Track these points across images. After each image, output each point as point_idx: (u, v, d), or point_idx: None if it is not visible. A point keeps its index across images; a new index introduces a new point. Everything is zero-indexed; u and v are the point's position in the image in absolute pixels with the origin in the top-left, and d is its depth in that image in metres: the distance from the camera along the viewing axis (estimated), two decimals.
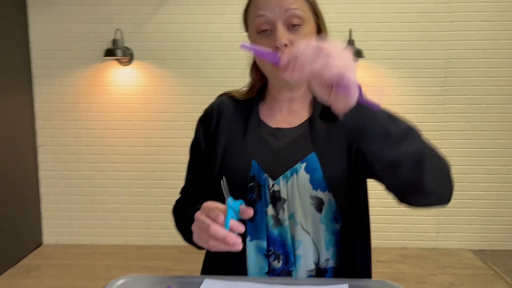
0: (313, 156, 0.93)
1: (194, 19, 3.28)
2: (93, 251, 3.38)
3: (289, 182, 0.92)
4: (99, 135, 3.41)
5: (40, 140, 3.42)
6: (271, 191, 0.93)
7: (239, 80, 1.12)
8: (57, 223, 3.49)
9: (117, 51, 3.16)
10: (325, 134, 0.95)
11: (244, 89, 1.08)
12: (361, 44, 3.14)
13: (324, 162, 0.92)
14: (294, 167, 0.92)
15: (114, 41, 3.19)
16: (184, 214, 0.95)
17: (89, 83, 3.36)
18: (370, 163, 0.78)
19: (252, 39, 0.94)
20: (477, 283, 2.85)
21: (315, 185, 0.91)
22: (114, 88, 3.36)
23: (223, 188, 0.79)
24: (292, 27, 0.88)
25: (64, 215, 3.49)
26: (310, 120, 0.98)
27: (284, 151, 0.95)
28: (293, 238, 0.92)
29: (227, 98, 1.06)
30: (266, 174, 0.93)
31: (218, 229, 0.74)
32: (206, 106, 1.07)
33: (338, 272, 0.94)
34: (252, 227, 0.94)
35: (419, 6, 3.20)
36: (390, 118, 0.72)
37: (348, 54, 0.66)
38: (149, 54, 3.32)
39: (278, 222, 0.93)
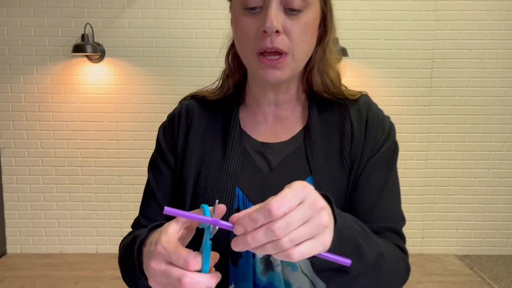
0: (310, 181, 0.73)
1: (169, 14, 3.09)
2: (61, 260, 3.16)
3: None
4: (67, 136, 3.18)
5: (2, 142, 3.18)
6: None
7: (224, 53, 0.89)
8: (22, 231, 3.26)
9: (86, 47, 2.94)
10: (324, 149, 0.76)
11: (216, 85, 0.85)
12: (345, 42, 3.00)
13: (323, 189, 0.72)
14: None
15: (84, 36, 2.97)
16: (127, 255, 0.65)
17: (57, 81, 3.13)
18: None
19: (235, 13, 0.72)
20: None
21: None
22: (83, 86, 3.14)
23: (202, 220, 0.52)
24: (290, 10, 0.67)
25: (30, 222, 3.25)
26: (305, 130, 0.78)
27: (275, 175, 0.75)
28: (288, 285, 0.74)
29: (195, 102, 0.83)
30: (253, 205, 0.72)
31: (197, 281, 0.50)
32: None
33: None
34: (235, 273, 0.74)
35: (405, 3, 3.09)
36: (361, 249, 0.59)
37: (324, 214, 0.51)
38: (121, 50, 3.11)
39: (269, 266, 0.73)
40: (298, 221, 0.47)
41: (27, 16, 3.07)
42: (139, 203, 0.85)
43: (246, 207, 0.73)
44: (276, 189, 0.72)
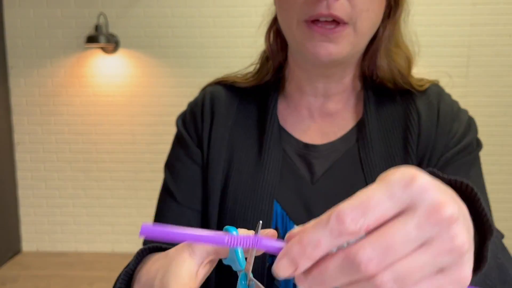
0: None
1: (185, 2, 2.94)
2: (76, 259, 3.06)
3: None
4: (82, 131, 3.08)
5: (17, 137, 3.10)
6: None
7: (235, 70, 0.72)
8: (37, 229, 3.18)
9: (100, 38, 2.82)
10: (384, 151, 0.59)
11: (250, 70, 0.68)
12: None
13: None
14: None
15: (97, 27, 2.85)
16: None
17: (70, 74, 3.03)
18: None
19: None
20: None
21: None
22: (97, 79, 3.03)
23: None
24: None
25: (45, 220, 3.17)
26: (358, 128, 0.62)
27: (322, 185, 0.59)
28: None
29: (222, 89, 0.67)
30: (295, 225, 0.58)
31: None
32: None
33: None
34: None
35: None
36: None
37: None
38: (136, 41, 2.98)
39: None
40: (407, 244, 0.25)
41: (40, 7, 2.97)
42: (156, 201, 0.68)
43: (285, 227, 0.57)
44: (322, 204, 0.55)
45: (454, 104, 0.63)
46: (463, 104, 0.66)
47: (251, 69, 0.68)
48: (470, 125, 0.62)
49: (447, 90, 0.65)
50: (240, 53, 2.81)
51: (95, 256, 3.12)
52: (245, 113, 0.64)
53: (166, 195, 0.65)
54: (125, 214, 3.15)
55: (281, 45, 0.65)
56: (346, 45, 0.53)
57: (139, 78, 3.02)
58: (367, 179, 0.58)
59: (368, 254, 0.24)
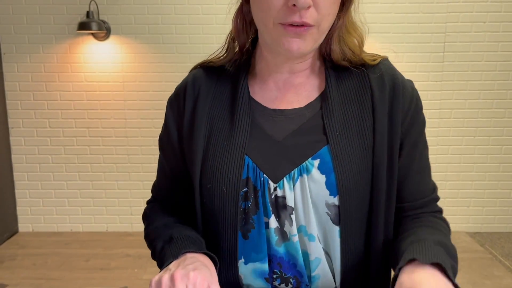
0: (326, 151, 0.69)
1: None
2: (72, 239, 3.19)
3: (297, 185, 0.69)
4: (75, 116, 3.18)
5: (11, 121, 3.18)
6: (272, 197, 0.70)
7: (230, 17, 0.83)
8: (33, 210, 3.29)
9: (92, 25, 2.90)
10: (342, 119, 0.71)
11: (218, 53, 0.81)
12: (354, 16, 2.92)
13: (338, 160, 0.68)
14: (303, 164, 0.69)
15: (88, 14, 2.93)
16: (159, 239, 0.75)
17: (63, 60, 3.11)
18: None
19: None
20: (476, 268, 2.73)
21: (333, 190, 0.68)
22: (90, 65, 3.11)
23: None
24: None
25: (40, 201, 3.28)
26: (322, 98, 0.73)
27: (288, 143, 0.71)
28: (306, 255, 0.71)
29: (203, 71, 0.80)
30: (265, 175, 0.70)
31: None
32: None
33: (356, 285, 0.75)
34: (246, 246, 0.72)
35: None
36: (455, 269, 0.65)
37: None
38: (127, 28, 3.07)
39: (284, 236, 0.70)
40: None
41: None
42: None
43: (256, 177, 0.70)
44: (289, 158, 0.70)
45: (404, 80, 0.74)
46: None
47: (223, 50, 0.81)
48: (418, 100, 0.74)
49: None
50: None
51: (90, 235, 3.25)
52: (221, 89, 0.77)
53: (160, 165, 0.85)
54: (118, 195, 3.27)
55: (246, 27, 0.76)
56: (311, 42, 0.67)
57: (130, 64, 3.11)
58: (329, 140, 0.69)
59: None
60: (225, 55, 0.79)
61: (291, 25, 0.64)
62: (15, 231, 3.28)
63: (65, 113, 3.17)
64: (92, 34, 3.04)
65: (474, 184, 3.24)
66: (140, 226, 3.22)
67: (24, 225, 3.30)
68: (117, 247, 3.05)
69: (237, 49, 0.78)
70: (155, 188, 0.88)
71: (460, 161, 3.20)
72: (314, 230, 0.70)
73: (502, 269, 2.71)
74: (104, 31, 2.99)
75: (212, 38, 3.03)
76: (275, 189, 0.69)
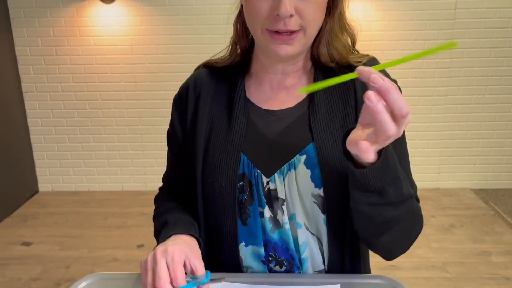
0: (311, 148, 0.76)
1: None
2: (90, 198, 3.35)
3: (286, 179, 0.77)
4: (86, 79, 3.23)
5: (24, 86, 3.26)
6: (265, 189, 0.78)
7: (232, 17, 0.87)
8: (51, 171, 3.43)
9: None
10: (327, 117, 0.77)
11: (225, 51, 0.86)
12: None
13: (322, 156, 0.75)
14: (292, 160, 0.76)
15: None
16: (157, 222, 0.84)
17: (71, 24, 3.12)
18: (351, 204, 0.69)
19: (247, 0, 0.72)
20: (477, 224, 2.82)
21: (317, 182, 0.76)
22: (98, 28, 3.13)
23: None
24: None
25: (58, 163, 3.42)
26: (309, 98, 0.79)
27: (278, 141, 0.78)
28: (296, 240, 0.79)
29: (205, 71, 0.86)
30: (258, 171, 0.78)
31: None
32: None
33: (342, 267, 0.83)
34: (245, 231, 0.80)
35: None
36: (399, 181, 0.65)
37: None
38: None
39: (277, 224, 0.79)
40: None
41: None
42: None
43: (251, 172, 0.78)
44: (279, 154, 0.77)
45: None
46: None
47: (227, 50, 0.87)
48: None
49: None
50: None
51: (106, 194, 3.40)
52: (220, 90, 0.83)
53: (169, 152, 0.92)
54: (131, 156, 3.38)
55: (246, 32, 0.82)
56: (298, 46, 0.71)
57: (137, 26, 3.11)
58: (314, 137, 0.76)
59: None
60: (228, 57, 0.85)
61: (278, 32, 0.69)
62: (35, 191, 3.44)
63: (76, 77, 3.23)
64: None
65: (481, 142, 3.26)
66: (153, 185, 3.36)
67: (44, 185, 3.46)
68: (133, 205, 3.20)
69: (238, 51, 0.84)
70: (164, 178, 0.96)
71: (468, 120, 3.21)
72: (301, 218, 0.78)
73: (503, 225, 2.79)
74: None
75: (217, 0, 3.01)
76: (267, 183, 0.77)
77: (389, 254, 0.77)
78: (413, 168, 0.81)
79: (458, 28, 3.04)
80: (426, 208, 3.05)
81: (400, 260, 0.79)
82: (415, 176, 0.81)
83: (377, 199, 0.64)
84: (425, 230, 2.75)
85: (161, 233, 0.78)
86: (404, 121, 0.52)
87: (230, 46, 0.85)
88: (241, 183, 0.78)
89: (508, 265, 2.39)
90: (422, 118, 3.17)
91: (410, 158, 0.83)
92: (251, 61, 0.84)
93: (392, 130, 0.51)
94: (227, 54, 0.85)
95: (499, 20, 3.01)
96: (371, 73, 0.50)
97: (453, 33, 3.05)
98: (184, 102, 0.84)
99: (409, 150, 0.81)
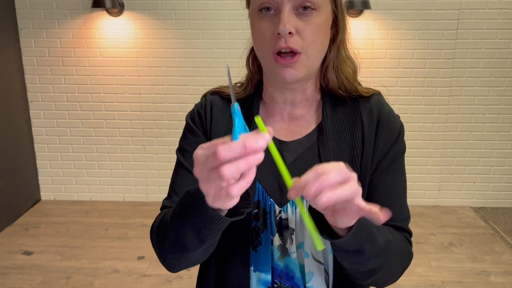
0: None
1: None
2: (92, 207, 3.36)
3: (297, 210, 0.78)
4: (91, 90, 3.27)
5: (30, 95, 3.30)
6: (277, 218, 0.80)
7: (236, 33, 0.90)
8: (54, 180, 3.46)
9: (105, 1, 2.94)
10: (336, 147, 0.80)
11: (238, 84, 0.89)
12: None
13: None
14: None
15: None
16: (167, 215, 0.72)
17: (78, 36, 3.17)
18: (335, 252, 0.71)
19: (252, 19, 0.76)
20: (476, 243, 2.83)
21: None
22: (104, 41, 3.17)
23: (227, 76, 0.58)
24: (303, 9, 0.71)
25: (60, 172, 3.44)
26: (319, 129, 0.82)
27: (290, 172, 0.77)
28: (302, 269, 0.81)
29: (218, 99, 0.86)
30: (272, 200, 0.80)
31: (228, 145, 0.51)
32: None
33: None
34: (254, 258, 0.82)
35: None
36: (374, 234, 0.67)
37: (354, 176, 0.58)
38: (141, 4, 3.09)
39: (285, 252, 0.81)
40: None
41: None
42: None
43: (265, 201, 0.80)
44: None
45: (391, 113, 0.82)
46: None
47: (238, 83, 0.90)
48: (400, 133, 0.81)
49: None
50: (241, 16, 2.93)
51: (108, 204, 3.42)
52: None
53: (181, 169, 0.85)
54: (134, 166, 3.41)
55: (258, 68, 0.86)
56: (302, 69, 0.74)
57: (144, 40, 3.16)
58: None
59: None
60: (242, 92, 0.87)
61: (280, 55, 0.72)
62: (37, 199, 3.46)
63: (82, 88, 3.27)
64: (106, 10, 3.08)
65: (481, 161, 3.29)
66: (154, 197, 3.38)
67: (46, 194, 3.48)
68: (134, 216, 3.21)
69: (252, 86, 0.87)
70: (169, 196, 0.85)
71: (468, 138, 3.24)
72: (309, 248, 0.80)
73: (502, 245, 2.81)
74: (117, 7, 3.03)
75: (224, 15, 3.05)
76: (279, 212, 0.80)
77: (381, 286, 0.80)
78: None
79: (460, 48, 3.08)
80: (426, 226, 3.07)
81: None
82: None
83: (357, 257, 0.66)
84: (425, 248, 2.78)
85: (183, 202, 0.67)
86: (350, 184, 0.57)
87: (246, 82, 0.88)
88: (256, 210, 0.80)
89: (507, 285, 2.39)
90: (423, 136, 3.20)
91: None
92: (262, 91, 0.87)
93: (349, 193, 0.56)
94: (242, 89, 0.87)
95: (500, 41, 3.06)
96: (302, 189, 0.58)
97: (454, 53, 3.09)
98: (204, 117, 0.84)
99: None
